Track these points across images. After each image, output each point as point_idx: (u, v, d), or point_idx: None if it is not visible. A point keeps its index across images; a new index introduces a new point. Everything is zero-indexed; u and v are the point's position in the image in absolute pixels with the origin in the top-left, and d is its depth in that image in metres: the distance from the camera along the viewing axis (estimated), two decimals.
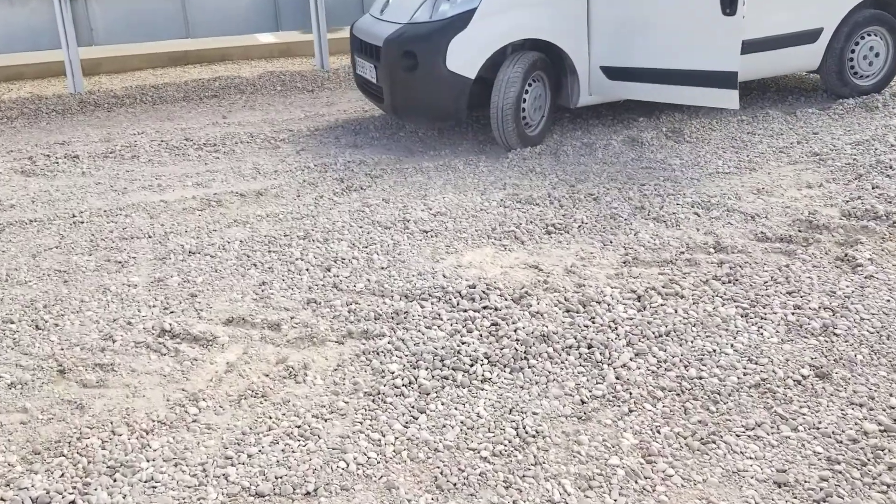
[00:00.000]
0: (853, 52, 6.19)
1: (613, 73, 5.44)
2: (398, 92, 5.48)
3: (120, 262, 3.93)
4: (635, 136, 5.70)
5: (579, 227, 4.15)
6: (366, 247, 4.00)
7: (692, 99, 5.04)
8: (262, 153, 5.77)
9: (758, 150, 5.30)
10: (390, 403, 2.69)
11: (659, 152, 5.37)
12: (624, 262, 3.72)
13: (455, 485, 2.31)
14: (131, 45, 8.31)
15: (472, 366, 2.87)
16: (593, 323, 3.15)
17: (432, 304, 3.35)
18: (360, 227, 4.26)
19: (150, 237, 4.24)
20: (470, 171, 5.15)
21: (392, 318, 3.25)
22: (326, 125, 6.48)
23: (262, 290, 3.56)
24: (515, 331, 3.08)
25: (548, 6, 5.38)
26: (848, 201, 4.28)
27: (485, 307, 3.30)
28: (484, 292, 3.41)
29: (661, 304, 3.28)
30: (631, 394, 2.70)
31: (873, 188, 4.43)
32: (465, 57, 5.28)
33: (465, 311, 3.27)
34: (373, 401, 2.71)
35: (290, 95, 7.68)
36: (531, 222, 4.22)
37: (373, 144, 5.89)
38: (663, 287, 3.41)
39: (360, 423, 2.60)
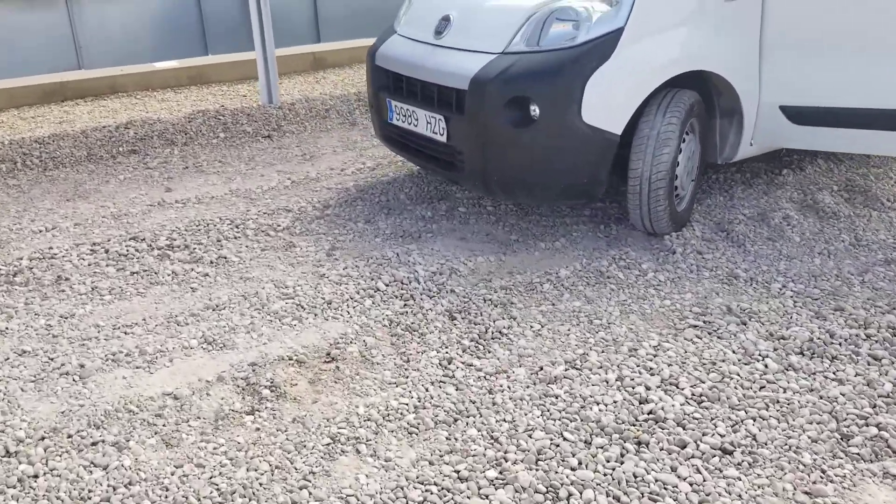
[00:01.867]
0: None
1: (803, 115, 3.76)
2: (496, 159, 3.54)
3: None
4: (812, 200, 4.07)
5: None
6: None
7: None
8: (275, 260, 3.65)
9: None
10: None
11: (871, 230, 3.75)
12: None
13: None
14: None
15: None
16: None
17: None
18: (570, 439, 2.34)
19: None
20: (642, 284, 3.31)
21: None
22: (337, 196, 4.40)
23: None
24: None
25: (710, 19, 3.62)
26: None
27: None
28: None
29: None
30: None
31: None
32: (609, 103, 3.42)
33: None
34: None
35: (243, 146, 5.48)
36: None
37: (444, 233, 3.90)
38: None
39: None
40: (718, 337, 2.88)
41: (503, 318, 3.05)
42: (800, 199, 4.14)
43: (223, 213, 4.18)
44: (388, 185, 4.56)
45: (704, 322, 2.98)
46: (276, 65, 6.26)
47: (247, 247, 3.79)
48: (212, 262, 3.61)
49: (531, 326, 2.99)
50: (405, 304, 3.18)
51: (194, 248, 3.75)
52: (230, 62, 7.29)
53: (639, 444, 2.33)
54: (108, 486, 2.21)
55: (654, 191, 3.55)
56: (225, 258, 3.65)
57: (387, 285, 3.32)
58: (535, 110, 3.41)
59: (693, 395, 2.55)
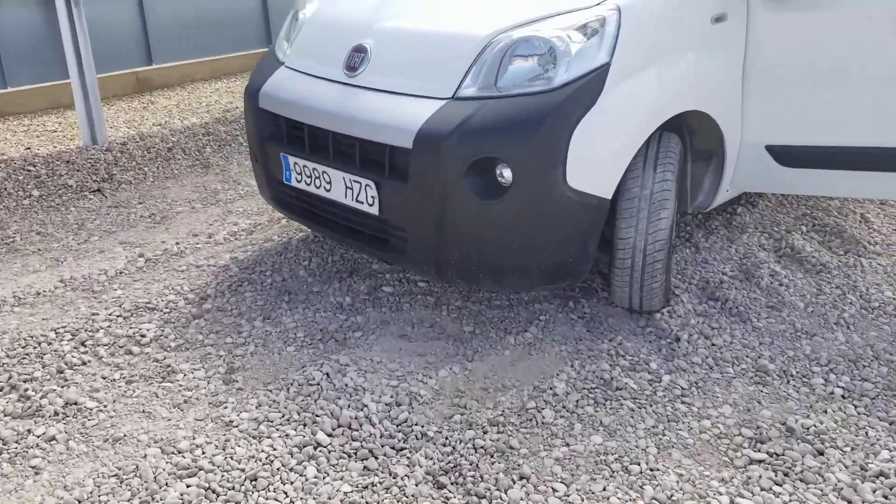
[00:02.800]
0: None
1: (794, 155, 3.17)
2: (455, 240, 2.66)
3: None
4: (789, 248, 3.52)
5: None
6: None
7: None
8: (150, 399, 2.56)
9: None
10: None
11: (873, 286, 3.24)
12: None
13: None
14: None
15: None
16: None
17: None
18: None
19: None
20: (663, 395, 2.56)
21: None
22: (214, 280, 3.32)
23: None
24: None
25: (699, 45, 2.93)
26: None
27: None
28: None
29: None
30: None
31: None
32: (598, 160, 2.64)
33: None
34: None
35: (67, 207, 4.21)
36: None
37: (376, 329, 2.95)
38: None
39: None
40: (801, 480, 2.17)
41: (510, 479, 2.18)
42: (773, 246, 3.58)
43: (59, 321, 3.00)
44: (278, 257, 3.53)
45: (770, 455, 2.27)
46: (98, 94, 4.96)
47: (104, 378, 2.66)
48: (57, 415, 2.47)
49: (553, 490, 2.15)
50: (365, 469, 2.23)
51: (25, 390, 2.58)
52: (32, 89, 5.83)
53: None
54: None
55: (650, 265, 2.82)
56: (76, 405, 2.52)
57: (330, 436, 2.35)
58: (506, 175, 2.56)
59: None
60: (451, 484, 2.17)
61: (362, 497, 2.12)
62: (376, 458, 2.26)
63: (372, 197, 2.78)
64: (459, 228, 2.63)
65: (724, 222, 3.83)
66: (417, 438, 2.34)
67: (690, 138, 3.21)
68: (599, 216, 2.68)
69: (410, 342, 2.87)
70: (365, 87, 2.85)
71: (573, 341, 2.85)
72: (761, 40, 3.04)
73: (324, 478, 2.19)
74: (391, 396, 2.52)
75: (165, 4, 6.39)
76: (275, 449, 2.29)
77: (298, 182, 3.06)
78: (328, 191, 2.94)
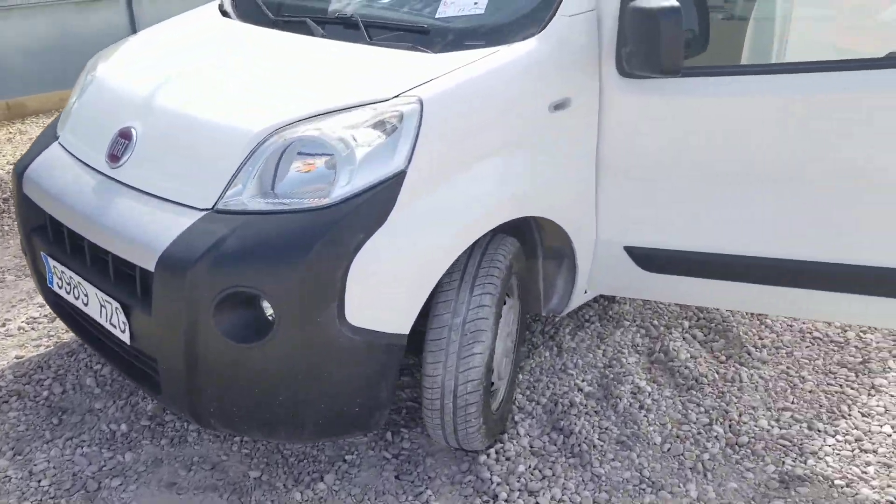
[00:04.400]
0: None
1: (654, 259, 2.71)
2: (213, 383, 2.15)
3: None
4: (663, 351, 3.06)
5: None
6: None
7: (880, 318, 2.59)
8: None
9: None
10: None
11: (747, 410, 2.79)
12: None
13: None
14: None
15: None
16: None
17: None
18: None
19: None
20: None
21: None
22: None
23: None
24: None
25: (531, 140, 2.44)
26: None
27: None
28: None
29: None
30: None
31: None
32: (389, 291, 2.14)
33: None
34: None
35: None
36: None
37: (144, 471, 2.44)
38: None
39: None
40: None
41: None
42: (647, 348, 3.12)
43: None
44: (69, 359, 3.01)
45: None
46: None
47: None
48: None
49: None
50: None
51: None
52: None
53: None
54: None
55: (462, 408, 2.33)
56: None
57: None
58: (269, 313, 2.06)
59: None
60: None
61: None
62: None
63: (123, 322, 2.27)
64: (213, 373, 2.12)
65: (599, 311, 3.37)
66: None
67: (539, 234, 2.74)
68: (393, 356, 2.18)
69: (178, 494, 2.36)
70: (125, 185, 2.33)
71: (373, 495, 2.36)
72: (616, 128, 2.56)
73: None
74: None
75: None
76: None
77: (59, 288, 2.55)
78: (86, 304, 2.43)
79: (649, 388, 2.87)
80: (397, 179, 2.11)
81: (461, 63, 2.32)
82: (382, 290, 2.12)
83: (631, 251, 2.72)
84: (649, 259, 2.70)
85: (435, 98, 2.19)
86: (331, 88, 2.32)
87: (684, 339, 3.19)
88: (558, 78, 2.43)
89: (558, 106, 2.44)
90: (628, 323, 3.29)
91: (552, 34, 2.40)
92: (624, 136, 2.57)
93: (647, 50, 2.27)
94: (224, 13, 3.11)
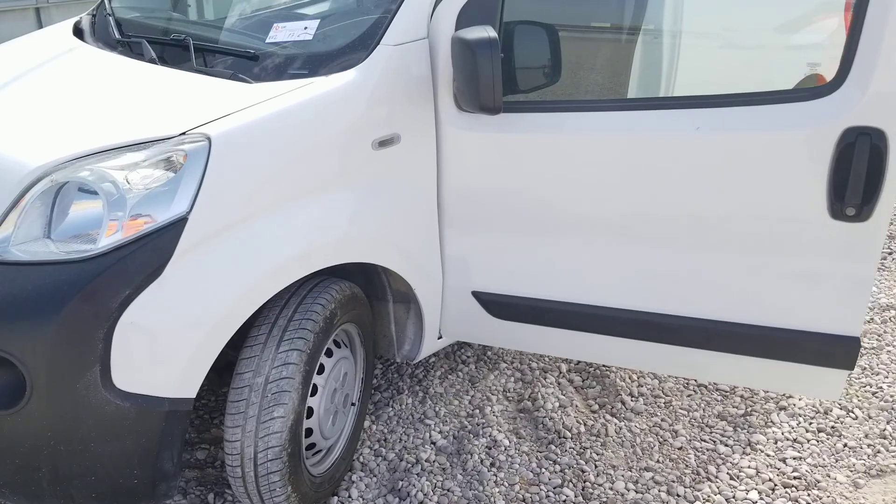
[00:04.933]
0: None
1: (503, 306, 2.50)
2: None
3: None
4: (530, 399, 2.86)
5: None
6: None
7: (731, 376, 2.40)
8: None
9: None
10: None
11: (604, 472, 2.58)
12: None
13: None
14: None
15: None
16: None
17: None
18: None
19: None
20: None
21: None
22: None
23: None
24: None
25: (352, 178, 2.23)
26: None
27: None
28: None
29: None
30: None
31: None
32: (166, 352, 1.92)
33: None
34: None
35: None
36: None
37: None
38: None
39: None
40: None
41: None
42: (517, 395, 2.92)
43: None
44: None
45: None
46: None
47: None
48: None
49: None
50: None
51: None
52: None
53: None
54: None
55: (263, 476, 2.12)
56: None
57: None
58: (23, 378, 1.84)
59: None
60: None
61: None
62: None
63: None
64: None
65: (478, 351, 3.17)
66: None
67: (387, 277, 2.53)
68: (176, 423, 1.96)
69: None
70: None
71: None
72: (456, 167, 2.36)
73: None
74: None
75: None
76: None
77: None
78: None
79: (507, 442, 2.66)
80: (177, 226, 1.89)
81: (271, 95, 2.11)
82: (158, 352, 1.90)
83: (479, 297, 2.51)
84: (497, 305, 2.50)
85: (226, 135, 1.97)
86: (121, 122, 2.10)
87: (559, 384, 2.98)
88: (383, 112, 2.22)
89: (384, 142, 2.23)
90: (505, 365, 3.08)
91: (375, 64, 2.19)
92: (464, 176, 2.37)
93: (468, 84, 2.07)
94: (78, 31, 2.90)
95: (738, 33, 2.35)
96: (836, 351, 2.12)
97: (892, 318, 3.43)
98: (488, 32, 2.02)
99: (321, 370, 2.27)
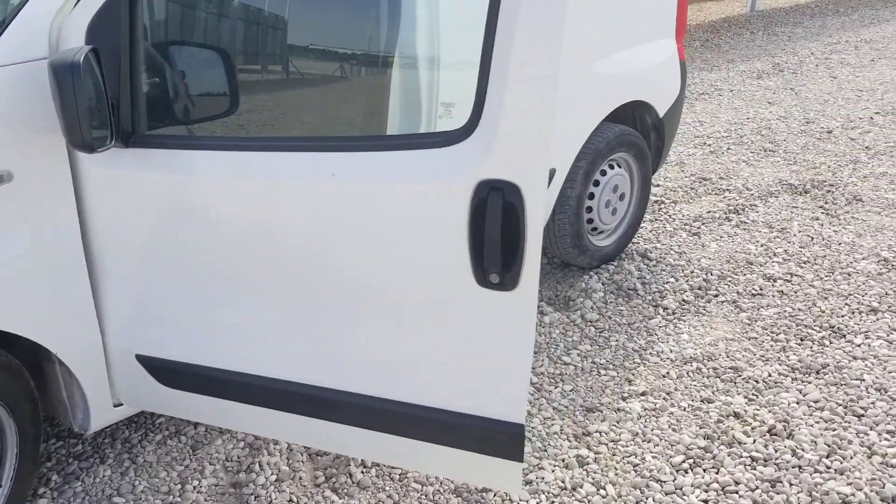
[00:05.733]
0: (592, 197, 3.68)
1: (167, 373, 2.16)
2: None
3: None
4: (247, 480, 2.50)
5: None
6: None
7: (381, 453, 2.12)
8: None
9: None
10: None
11: None
12: None
13: None
14: None
15: None
16: None
17: None
18: None
19: None
20: None
21: None
22: None
23: None
24: None
25: None
26: None
27: None
28: None
29: None
30: None
31: None
32: None
33: None
34: None
35: None
36: None
37: None
38: None
39: None
40: None
41: None
42: (236, 465, 2.56)
43: None
44: None
45: None
46: None
47: None
48: None
49: None
50: None
51: None
52: None
53: None
54: None
55: None
56: None
57: None
58: None
59: None
60: None
61: None
62: None
63: None
64: None
65: None
66: None
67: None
68: None
69: None
70: None
71: None
72: (96, 209, 2.03)
73: None
74: None
75: None
76: None
77: None
78: None
79: None
80: None
81: None
82: None
83: (143, 361, 2.17)
84: (162, 371, 2.16)
85: None
86: None
87: (291, 450, 2.63)
88: None
89: None
90: None
91: None
92: (109, 220, 2.02)
93: (58, 115, 1.74)
94: None
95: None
96: (498, 438, 1.80)
97: (691, 373, 3.13)
98: (74, 56, 1.69)
99: None
